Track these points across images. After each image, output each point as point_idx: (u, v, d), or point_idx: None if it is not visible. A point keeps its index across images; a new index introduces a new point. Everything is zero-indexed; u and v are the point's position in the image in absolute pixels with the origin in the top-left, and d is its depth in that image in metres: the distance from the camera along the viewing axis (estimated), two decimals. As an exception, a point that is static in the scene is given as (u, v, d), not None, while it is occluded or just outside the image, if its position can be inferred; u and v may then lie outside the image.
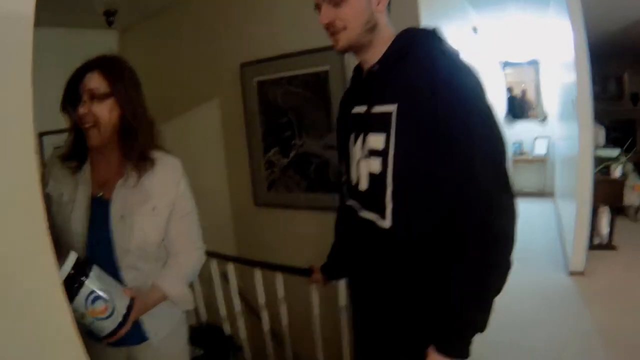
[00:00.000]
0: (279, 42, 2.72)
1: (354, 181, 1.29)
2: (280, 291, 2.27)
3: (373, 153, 1.19)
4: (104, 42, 3.46)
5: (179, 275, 1.43)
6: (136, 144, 1.31)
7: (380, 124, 1.16)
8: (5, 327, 0.74)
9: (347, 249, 1.43)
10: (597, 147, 4.86)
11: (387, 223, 1.17)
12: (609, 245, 4.60)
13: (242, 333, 2.51)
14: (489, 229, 1.07)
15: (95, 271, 1.18)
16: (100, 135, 1.26)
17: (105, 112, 1.26)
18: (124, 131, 1.30)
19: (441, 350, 1.13)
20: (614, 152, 5.09)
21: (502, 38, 6.47)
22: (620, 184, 4.68)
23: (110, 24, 3.02)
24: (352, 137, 1.29)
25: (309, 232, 2.64)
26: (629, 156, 5.02)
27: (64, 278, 1.09)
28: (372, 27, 1.19)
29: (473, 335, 1.12)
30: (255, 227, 3.00)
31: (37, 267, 0.81)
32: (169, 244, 1.41)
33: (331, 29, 1.18)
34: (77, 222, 1.28)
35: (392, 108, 1.13)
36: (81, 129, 1.26)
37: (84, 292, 1.14)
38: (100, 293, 1.17)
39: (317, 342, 2.23)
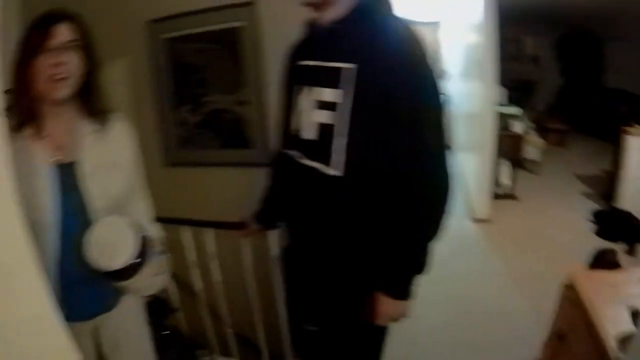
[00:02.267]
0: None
1: (294, 131, 1.38)
2: (211, 247, 2.34)
3: (324, 105, 1.28)
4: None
5: (151, 225, 1.48)
6: (99, 100, 1.31)
7: (335, 78, 1.24)
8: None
9: (283, 195, 1.54)
10: (498, 104, 5.29)
11: (332, 171, 1.27)
12: (510, 195, 5.09)
13: (175, 295, 2.55)
14: (435, 183, 1.25)
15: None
16: (69, 87, 1.22)
17: (79, 62, 1.23)
18: (86, 86, 1.28)
19: (392, 294, 1.29)
20: (514, 110, 5.56)
21: (403, 1, 6.71)
22: (519, 138, 5.17)
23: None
24: (298, 88, 1.37)
25: (225, 189, 2.68)
26: (527, 114, 5.51)
27: (134, 251, 1.14)
28: None
29: (414, 277, 1.29)
30: (170, 187, 2.92)
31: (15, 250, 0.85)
32: (128, 196, 1.42)
33: None
34: (43, 192, 1.20)
35: (350, 65, 1.22)
36: (26, 87, 1.19)
37: (151, 253, 1.21)
38: (156, 247, 1.26)
39: (251, 295, 2.31)
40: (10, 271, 0.84)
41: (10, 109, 1.17)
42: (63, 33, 1.20)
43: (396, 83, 1.19)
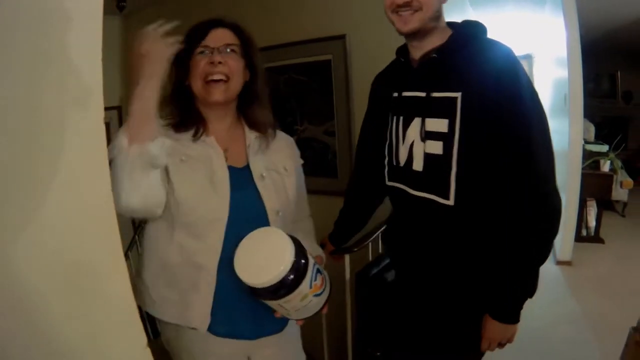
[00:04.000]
0: (283, 31, 2.89)
1: (401, 162, 1.40)
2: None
3: (433, 136, 1.30)
4: (107, 26, 3.60)
5: (314, 243, 1.48)
6: (260, 108, 1.33)
7: (442, 108, 1.27)
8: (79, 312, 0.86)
9: (358, 221, 1.73)
10: (586, 142, 5.12)
11: (450, 201, 1.28)
12: (596, 238, 4.88)
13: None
14: (547, 208, 1.25)
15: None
16: (228, 90, 1.25)
17: (240, 67, 1.26)
18: (247, 94, 1.31)
19: (498, 317, 1.31)
20: (603, 148, 5.37)
21: (498, 33, 6.68)
22: (608, 178, 4.96)
23: (121, 9, 3.19)
24: (398, 119, 1.40)
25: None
26: (617, 152, 5.30)
27: (289, 266, 1.03)
28: (438, 15, 1.30)
29: (525, 301, 1.30)
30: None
31: (108, 254, 0.90)
32: (296, 208, 1.42)
33: (407, 8, 1.25)
34: (220, 188, 1.22)
35: (456, 94, 1.24)
36: (186, 91, 1.25)
37: (310, 270, 1.09)
38: (318, 266, 1.15)
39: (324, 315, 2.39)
40: (101, 273, 0.90)
41: (171, 110, 1.26)
42: (222, 36, 1.24)
43: (504, 109, 1.20)
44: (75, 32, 0.81)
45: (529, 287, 1.29)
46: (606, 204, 5.40)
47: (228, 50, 1.24)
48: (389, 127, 1.45)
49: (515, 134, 1.22)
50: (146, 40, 1.06)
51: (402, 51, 1.44)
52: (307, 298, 1.10)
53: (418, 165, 1.35)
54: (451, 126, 1.25)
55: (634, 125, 9.05)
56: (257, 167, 1.29)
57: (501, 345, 1.37)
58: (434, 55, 1.31)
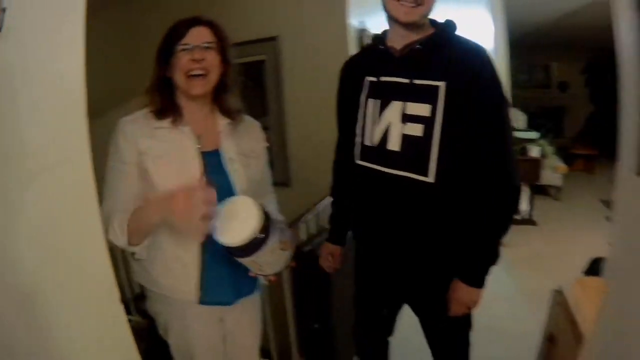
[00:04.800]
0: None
1: (374, 141, 1.51)
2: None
3: (413, 119, 1.42)
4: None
5: (278, 214, 1.57)
6: (232, 98, 1.46)
7: (425, 95, 1.39)
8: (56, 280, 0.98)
9: (354, 206, 1.70)
10: (516, 130, 5.41)
11: (430, 179, 1.41)
12: (529, 221, 5.19)
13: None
14: (514, 186, 1.41)
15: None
16: (206, 84, 1.36)
17: (217, 62, 1.37)
18: (221, 85, 1.42)
19: (468, 282, 1.47)
20: (532, 135, 5.70)
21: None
22: (536, 163, 5.28)
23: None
24: (374, 102, 1.51)
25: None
26: (552, 140, 5.62)
27: (259, 225, 1.17)
28: (430, 9, 1.42)
29: (490, 267, 1.47)
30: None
31: (84, 224, 1.06)
32: (261, 185, 1.56)
33: (413, 3, 1.35)
34: (195, 173, 1.34)
35: (439, 83, 1.37)
36: (168, 83, 1.36)
37: (275, 229, 1.24)
38: (282, 226, 1.31)
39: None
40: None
41: (153, 99, 1.37)
42: (201, 34, 1.34)
43: (482, 97, 1.36)
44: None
45: (495, 255, 1.46)
46: (540, 189, 5.72)
47: (207, 47, 1.35)
48: (362, 109, 1.55)
49: (493, 122, 1.39)
50: (189, 201, 1.13)
51: (379, 39, 1.55)
52: (276, 252, 1.25)
53: (394, 145, 1.45)
54: (433, 111, 1.38)
55: (571, 113, 9.56)
56: (228, 151, 1.42)
57: (468, 308, 1.53)
58: (418, 46, 1.43)
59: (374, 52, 1.56)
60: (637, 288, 1.17)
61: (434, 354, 1.72)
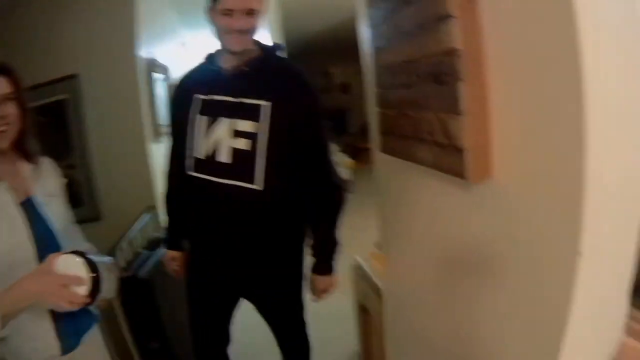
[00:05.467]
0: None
1: (203, 155, 1.62)
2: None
3: (241, 134, 1.55)
4: None
5: (84, 242, 1.54)
6: (33, 142, 1.40)
7: (251, 113, 1.54)
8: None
9: (190, 215, 1.77)
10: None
11: (257, 186, 1.56)
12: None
13: None
14: (336, 184, 1.71)
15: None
16: (10, 137, 1.29)
17: (16, 113, 1.29)
18: (22, 133, 1.34)
19: (322, 272, 1.75)
20: None
21: (209, 49, 7.13)
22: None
23: None
24: (205, 118, 1.61)
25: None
26: (337, 138, 6.17)
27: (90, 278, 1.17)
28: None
29: (335, 256, 1.75)
30: None
31: None
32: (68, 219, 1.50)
33: (241, 34, 1.48)
34: (20, 228, 1.28)
35: (264, 103, 1.53)
36: None
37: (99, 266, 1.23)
38: (97, 258, 1.28)
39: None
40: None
41: None
42: (2, 86, 1.25)
43: (303, 117, 1.56)
44: None
45: (337, 245, 1.74)
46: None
47: (9, 99, 1.26)
48: (192, 124, 1.64)
49: (313, 135, 1.63)
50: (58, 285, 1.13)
51: (211, 59, 1.67)
52: (107, 280, 1.27)
53: (224, 157, 1.58)
54: (259, 127, 1.53)
55: (353, 112, 10.53)
56: (41, 196, 1.37)
57: (326, 292, 1.81)
58: (244, 68, 1.56)
59: (206, 70, 1.67)
60: (400, 253, 1.49)
61: (277, 337, 1.96)
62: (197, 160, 1.64)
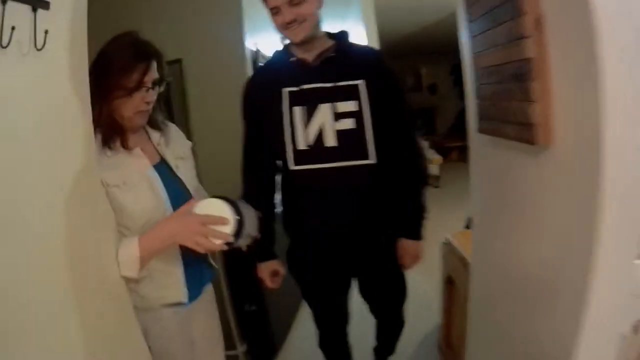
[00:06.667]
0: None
1: (305, 145, 1.65)
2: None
3: (344, 115, 1.63)
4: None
5: None
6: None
7: (350, 93, 1.62)
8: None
9: (298, 207, 1.80)
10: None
11: (371, 161, 1.65)
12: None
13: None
14: (421, 151, 1.83)
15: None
16: (148, 115, 1.41)
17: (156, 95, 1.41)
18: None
19: (413, 237, 1.82)
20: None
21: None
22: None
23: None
24: (301, 108, 1.64)
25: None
26: (426, 136, 6.46)
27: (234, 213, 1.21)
28: (318, 23, 1.63)
29: (424, 221, 1.84)
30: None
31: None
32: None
33: (293, 24, 1.53)
34: (157, 192, 1.37)
35: (359, 82, 1.62)
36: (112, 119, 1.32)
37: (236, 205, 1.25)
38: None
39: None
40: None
41: (100, 129, 1.27)
42: (154, 71, 1.34)
43: (391, 89, 1.68)
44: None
45: (425, 210, 1.84)
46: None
47: (157, 83, 1.37)
48: (287, 117, 1.65)
49: (402, 105, 1.76)
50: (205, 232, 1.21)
51: (284, 53, 1.71)
52: (250, 221, 1.31)
53: (330, 141, 1.63)
54: (359, 105, 1.62)
55: (440, 112, 10.66)
56: (171, 160, 1.47)
57: (417, 258, 1.86)
58: (332, 54, 1.65)
59: (284, 65, 1.70)
60: (491, 233, 1.67)
61: (379, 314, 2.10)
62: (300, 151, 1.66)
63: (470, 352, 1.95)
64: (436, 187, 7.00)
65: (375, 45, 5.10)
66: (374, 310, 2.10)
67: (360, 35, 5.11)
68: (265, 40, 3.69)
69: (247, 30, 3.30)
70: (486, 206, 1.72)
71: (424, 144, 6.76)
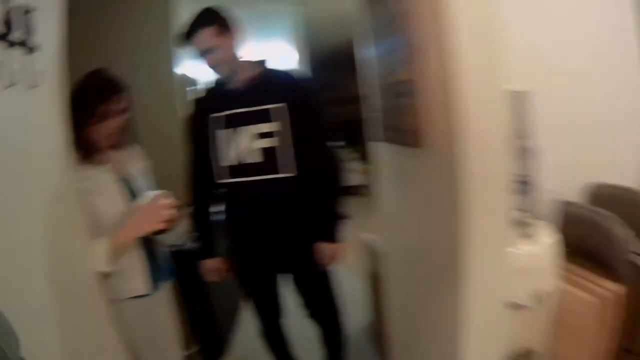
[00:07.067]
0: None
1: (234, 161, 1.87)
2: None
3: (264, 135, 1.82)
4: None
5: None
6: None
7: (270, 115, 1.82)
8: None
9: (229, 217, 2.02)
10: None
11: (292, 173, 1.84)
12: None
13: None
14: (341, 164, 2.02)
15: None
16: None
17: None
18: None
19: (328, 239, 1.94)
20: (336, 144, 6.59)
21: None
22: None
23: None
24: (226, 131, 1.86)
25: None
26: (354, 148, 6.65)
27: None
28: (238, 59, 1.86)
29: (342, 224, 1.97)
30: None
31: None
32: None
33: (217, 66, 1.81)
34: (127, 199, 1.57)
35: (282, 105, 1.81)
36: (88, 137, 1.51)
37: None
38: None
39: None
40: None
41: (77, 148, 1.45)
42: (125, 100, 1.55)
43: (309, 109, 1.86)
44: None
45: (342, 215, 1.98)
46: (353, 192, 6.55)
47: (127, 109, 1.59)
48: (214, 138, 1.89)
49: (319, 122, 1.94)
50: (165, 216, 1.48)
51: (220, 82, 1.94)
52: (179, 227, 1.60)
53: (255, 158, 1.85)
54: (283, 125, 1.82)
55: (367, 123, 10.92)
56: (135, 173, 1.69)
57: (338, 260, 2.00)
58: (256, 81, 1.87)
59: (216, 93, 1.96)
60: (396, 226, 1.94)
61: (310, 306, 2.18)
62: (230, 167, 1.89)
63: (394, 335, 2.19)
64: (366, 195, 7.18)
65: (304, 59, 5.34)
66: (308, 310, 2.21)
67: (290, 50, 5.35)
68: (194, 66, 3.95)
69: (176, 57, 3.57)
70: (390, 205, 2.01)
71: (352, 155, 7.00)
